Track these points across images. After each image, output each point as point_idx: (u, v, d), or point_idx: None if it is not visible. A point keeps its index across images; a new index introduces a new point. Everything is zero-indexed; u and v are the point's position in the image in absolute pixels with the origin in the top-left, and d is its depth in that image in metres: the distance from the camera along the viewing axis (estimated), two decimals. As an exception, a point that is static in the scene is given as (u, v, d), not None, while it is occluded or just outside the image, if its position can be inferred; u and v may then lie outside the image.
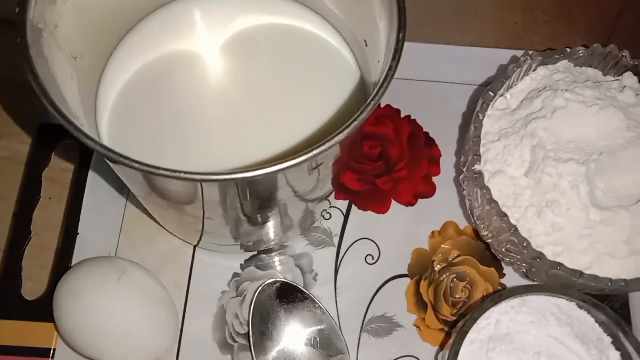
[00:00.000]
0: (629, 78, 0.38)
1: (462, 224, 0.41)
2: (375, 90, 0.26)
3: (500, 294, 0.34)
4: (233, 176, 0.24)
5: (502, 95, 0.38)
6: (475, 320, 0.34)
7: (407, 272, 0.40)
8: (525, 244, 0.33)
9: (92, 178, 0.41)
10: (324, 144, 0.24)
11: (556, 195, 0.34)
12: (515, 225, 0.33)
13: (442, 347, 0.38)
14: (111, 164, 0.30)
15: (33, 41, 0.26)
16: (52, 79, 0.27)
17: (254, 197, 0.29)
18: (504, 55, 0.45)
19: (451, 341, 0.35)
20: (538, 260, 0.33)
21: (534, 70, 0.38)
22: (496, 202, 0.34)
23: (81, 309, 0.34)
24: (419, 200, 0.42)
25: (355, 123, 0.25)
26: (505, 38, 0.47)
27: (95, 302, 0.34)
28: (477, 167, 0.35)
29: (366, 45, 0.33)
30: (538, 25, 0.48)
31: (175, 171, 0.24)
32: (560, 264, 0.33)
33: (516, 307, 0.34)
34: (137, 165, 0.23)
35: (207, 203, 0.29)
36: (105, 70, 0.34)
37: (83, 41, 0.31)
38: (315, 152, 0.24)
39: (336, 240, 0.41)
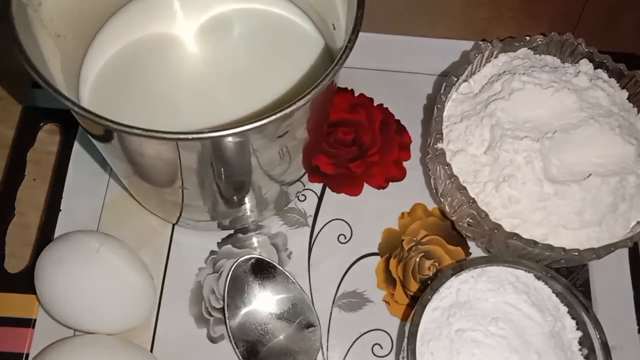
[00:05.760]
0: (584, 64, 0.40)
1: (430, 205, 0.43)
2: (335, 61, 0.28)
3: (459, 265, 0.36)
4: (206, 135, 0.26)
5: (465, 81, 0.40)
6: (435, 291, 0.35)
7: (377, 251, 0.42)
8: (483, 216, 0.35)
9: (75, 159, 0.43)
10: (288, 106, 0.26)
11: (512, 169, 0.36)
12: (473, 198, 0.35)
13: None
14: (91, 135, 0.32)
15: (17, 14, 0.27)
16: (37, 51, 0.29)
17: (226, 164, 0.31)
18: (471, 47, 0.47)
19: (412, 312, 0.36)
20: (495, 231, 0.35)
21: (495, 57, 0.41)
22: (456, 177, 0.35)
23: (61, 277, 0.35)
24: (390, 183, 0.44)
25: (317, 88, 0.27)
26: (473, 32, 0.49)
27: (75, 270, 0.35)
28: (439, 145, 0.37)
29: (334, 29, 0.35)
30: (504, 20, 0.51)
31: (151, 130, 0.25)
32: (516, 234, 0.35)
33: (475, 277, 0.36)
34: (113, 125, 0.25)
35: (184, 170, 0.30)
36: (88, 50, 0.36)
37: (66, 22, 0.33)
38: (281, 113, 0.26)
39: (310, 220, 0.43)
